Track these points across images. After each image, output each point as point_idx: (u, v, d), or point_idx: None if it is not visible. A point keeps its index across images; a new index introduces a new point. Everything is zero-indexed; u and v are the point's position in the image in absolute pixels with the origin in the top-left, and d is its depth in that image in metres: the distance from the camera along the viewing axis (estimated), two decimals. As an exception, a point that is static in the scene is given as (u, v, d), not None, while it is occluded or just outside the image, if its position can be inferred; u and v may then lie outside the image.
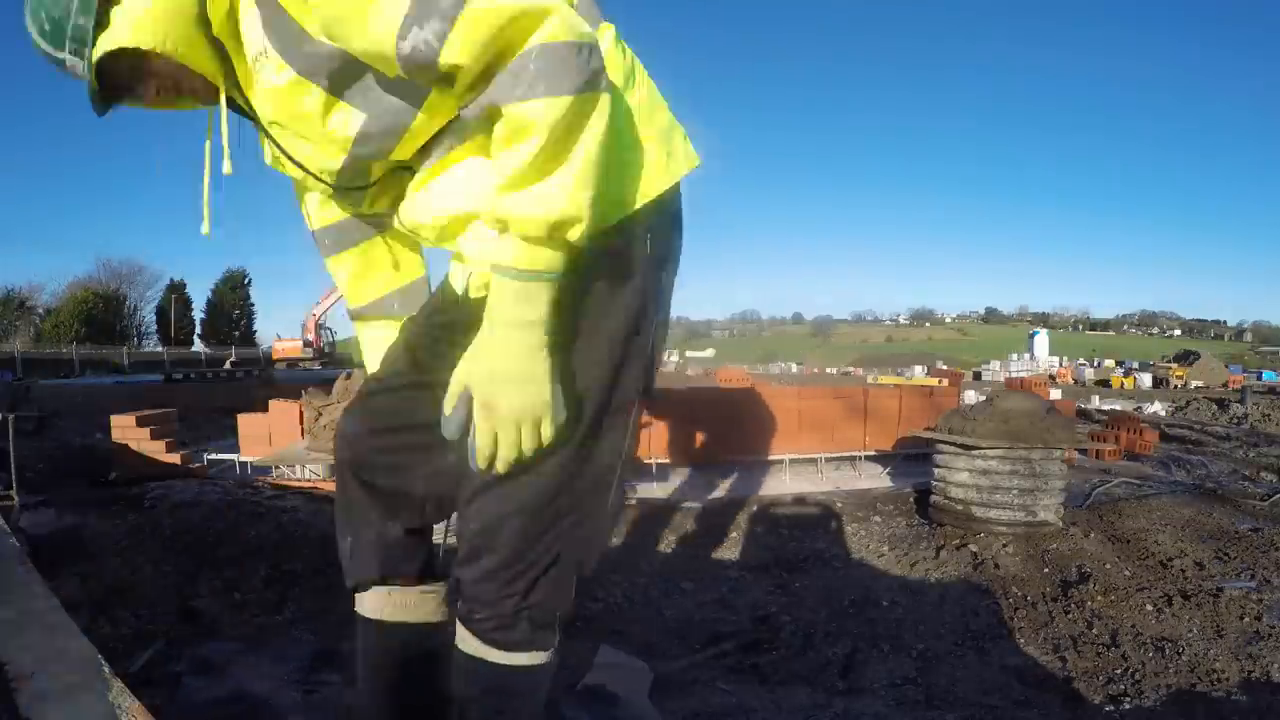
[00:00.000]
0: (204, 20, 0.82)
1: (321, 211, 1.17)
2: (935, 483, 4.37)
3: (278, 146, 0.95)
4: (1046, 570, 3.48)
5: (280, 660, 2.32)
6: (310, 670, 2.27)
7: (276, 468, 5.10)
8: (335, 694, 2.07)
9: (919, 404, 6.35)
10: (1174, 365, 34.15)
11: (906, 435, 5.98)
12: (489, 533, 0.93)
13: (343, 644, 2.47)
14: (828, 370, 47.62)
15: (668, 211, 0.99)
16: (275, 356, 28.76)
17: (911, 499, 4.86)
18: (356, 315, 1.25)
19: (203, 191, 0.93)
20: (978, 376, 34.62)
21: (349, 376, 3.41)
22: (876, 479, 5.54)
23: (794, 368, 49.01)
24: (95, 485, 4.84)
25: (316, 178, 0.97)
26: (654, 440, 5.72)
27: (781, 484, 5.46)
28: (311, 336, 29.36)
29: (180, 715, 1.88)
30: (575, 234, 0.80)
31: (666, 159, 0.95)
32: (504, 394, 0.84)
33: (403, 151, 0.92)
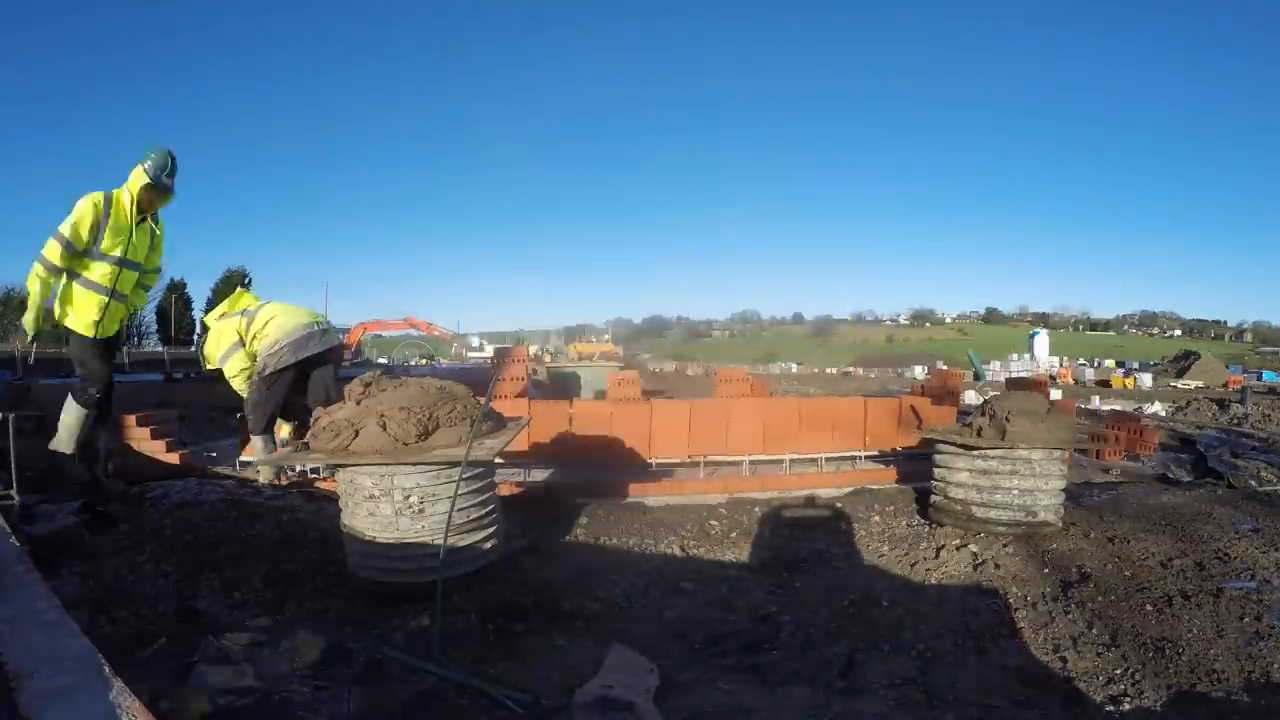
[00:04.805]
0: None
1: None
2: (935, 483, 4.37)
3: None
4: (1046, 570, 3.48)
5: (290, 656, 2.32)
6: (320, 666, 2.27)
7: (276, 467, 5.10)
8: (344, 690, 2.07)
9: (918, 406, 6.34)
10: (1173, 378, 33.94)
11: (908, 435, 5.98)
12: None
13: (349, 641, 2.47)
14: (828, 370, 47.59)
15: None
16: None
17: (912, 499, 4.86)
18: None
19: None
20: (978, 377, 34.56)
21: (368, 384, 3.39)
22: (877, 479, 5.53)
23: (794, 368, 48.96)
24: (95, 485, 4.83)
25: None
26: (654, 440, 5.72)
27: (782, 484, 5.45)
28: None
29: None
30: None
31: None
32: None
33: None
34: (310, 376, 4.35)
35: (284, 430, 4.69)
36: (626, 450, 5.68)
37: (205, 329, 4.46)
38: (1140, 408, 15.10)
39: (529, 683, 2.24)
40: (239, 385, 4.29)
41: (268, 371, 4.13)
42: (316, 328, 4.32)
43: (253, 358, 4.25)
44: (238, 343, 4.24)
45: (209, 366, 4.41)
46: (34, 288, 3.69)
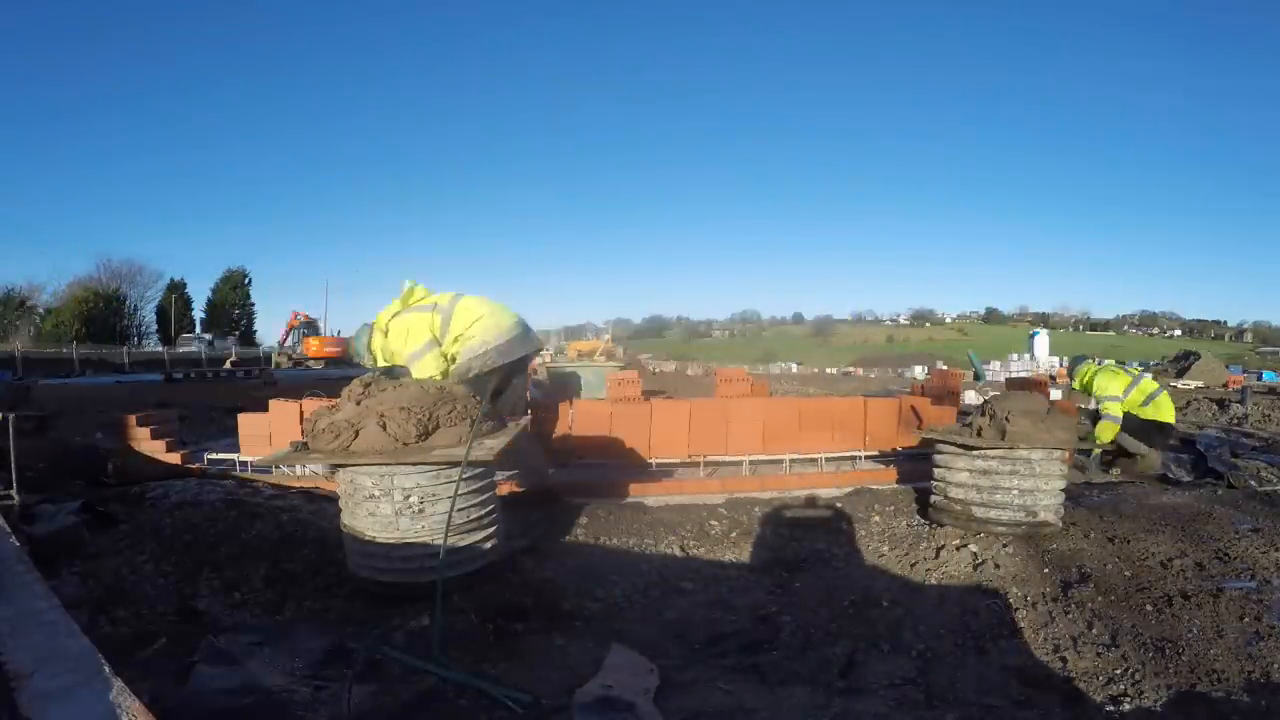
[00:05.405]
0: None
1: None
2: (935, 483, 4.37)
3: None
4: (1046, 570, 3.48)
5: (290, 656, 2.32)
6: (320, 666, 2.27)
7: (276, 467, 5.10)
8: (344, 689, 2.07)
9: (918, 406, 6.34)
10: (1172, 378, 33.86)
11: (908, 435, 5.97)
12: None
13: (349, 641, 2.47)
14: (828, 370, 47.56)
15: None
16: (310, 354, 30.56)
17: (912, 499, 4.86)
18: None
19: None
20: (978, 377, 34.52)
21: (368, 384, 3.39)
22: (877, 479, 5.54)
23: (794, 368, 48.95)
24: (95, 485, 4.84)
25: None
26: (654, 440, 5.72)
27: (782, 484, 5.45)
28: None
29: (191, 703, 1.88)
30: None
31: None
32: None
33: None
34: (512, 380, 4.03)
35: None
36: (626, 450, 5.68)
37: (369, 327, 4.01)
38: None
39: (529, 683, 2.24)
40: None
41: (473, 374, 3.80)
42: (521, 329, 4.03)
43: (450, 359, 3.90)
44: (432, 341, 3.86)
45: (383, 364, 3.98)
46: None
